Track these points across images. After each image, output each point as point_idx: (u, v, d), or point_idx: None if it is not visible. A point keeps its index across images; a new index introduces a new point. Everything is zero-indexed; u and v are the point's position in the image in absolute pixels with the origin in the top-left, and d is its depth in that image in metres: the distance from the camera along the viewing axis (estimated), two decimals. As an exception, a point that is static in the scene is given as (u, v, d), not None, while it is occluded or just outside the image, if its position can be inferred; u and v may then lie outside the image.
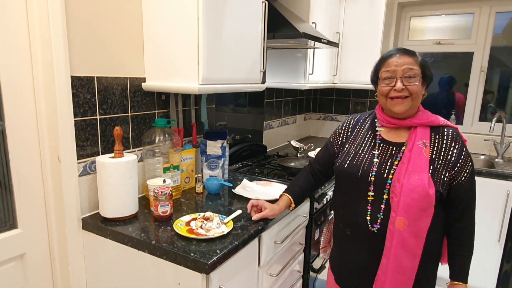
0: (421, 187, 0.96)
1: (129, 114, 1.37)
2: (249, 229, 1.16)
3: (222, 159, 1.61)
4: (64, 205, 1.16)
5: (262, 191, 1.53)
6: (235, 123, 2.09)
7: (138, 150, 1.42)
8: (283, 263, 1.45)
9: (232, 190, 1.52)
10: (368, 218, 1.04)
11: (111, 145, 1.30)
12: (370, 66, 2.81)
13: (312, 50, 2.11)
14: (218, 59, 1.31)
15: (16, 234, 1.12)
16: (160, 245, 1.03)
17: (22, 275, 1.16)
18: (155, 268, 1.06)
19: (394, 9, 2.71)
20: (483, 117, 2.67)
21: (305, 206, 1.57)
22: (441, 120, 1.06)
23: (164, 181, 1.26)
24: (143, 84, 1.39)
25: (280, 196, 1.30)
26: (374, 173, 1.04)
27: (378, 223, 1.03)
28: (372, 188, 1.04)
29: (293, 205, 1.28)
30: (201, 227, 1.11)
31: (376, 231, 1.04)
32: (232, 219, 1.18)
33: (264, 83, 1.62)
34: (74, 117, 1.16)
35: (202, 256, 0.97)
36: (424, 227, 0.98)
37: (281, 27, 1.67)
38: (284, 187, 1.56)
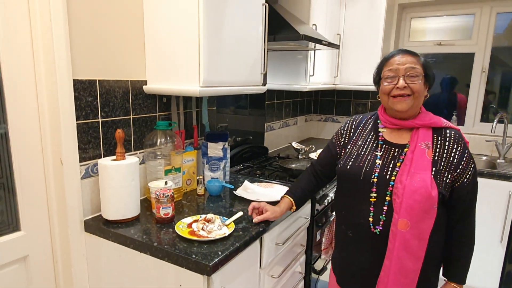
0: (424, 188, 0.96)
1: (131, 116, 1.37)
2: (251, 230, 1.16)
3: (224, 161, 1.61)
4: (66, 208, 1.17)
5: (263, 192, 1.53)
6: (236, 125, 2.10)
7: (139, 153, 1.43)
8: (285, 265, 1.45)
9: (234, 192, 1.52)
10: (370, 219, 1.04)
11: (113, 147, 1.31)
12: (370, 67, 2.80)
13: (312, 51, 2.12)
14: (219, 62, 1.32)
15: (19, 237, 1.13)
16: (162, 247, 1.03)
17: (25, 277, 1.16)
18: (157, 270, 1.06)
19: (394, 10, 2.72)
20: (485, 118, 2.66)
21: (306, 208, 1.57)
22: (443, 122, 1.06)
23: (166, 183, 1.27)
24: (144, 86, 1.40)
25: (282, 198, 1.30)
26: (376, 174, 1.04)
27: (380, 225, 1.03)
28: (374, 190, 1.04)
29: (294, 207, 1.28)
30: (202, 229, 1.11)
31: (378, 233, 1.04)
32: (234, 221, 1.19)
33: (265, 85, 1.63)
34: (76, 120, 1.17)
35: (204, 258, 0.98)
36: (427, 229, 0.98)
37: (281, 29, 1.68)
38: (285, 188, 1.56)
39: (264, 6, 1.52)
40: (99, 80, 1.23)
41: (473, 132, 2.64)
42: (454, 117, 2.59)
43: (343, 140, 1.21)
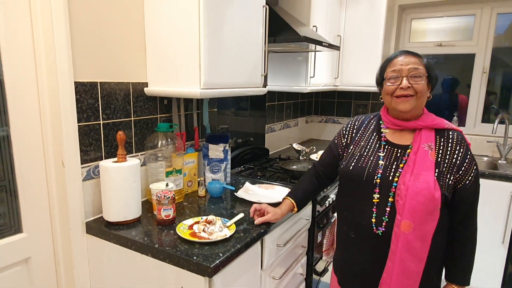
0: (427, 190, 0.96)
1: (132, 119, 1.38)
2: (252, 232, 1.16)
3: (224, 162, 1.61)
4: (68, 209, 1.17)
5: (264, 194, 1.53)
6: (237, 127, 2.10)
7: (141, 155, 1.43)
8: (286, 266, 1.45)
9: (235, 193, 1.52)
10: (373, 220, 1.04)
11: (114, 149, 1.32)
12: (371, 68, 2.80)
13: (313, 53, 2.12)
14: (220, 64, 1.32)
15: (21, 239, 1.13)
16: (163, 249, 1.04)
17: (27, 279, 1.17)
18: (158, 271, 1.07)
19: (394, 11, 2.72)
20: (486, 119, 2.66)
21: (307, 209, 1.57)
22: (446, 123, 1.06)
23: (167, 185, 1.27)
24: (145, 89, 1.40)
25: (283, 199, 1.30)
26: (379, 175, 1.04)
27: (383, 226, 1.03)
28: (377, 191, 1.04)
29: (295, 209, 1.28)
30: (203, 230, 1.11)
31: (380, 234, 1.03)
32: (235, 223, 1.19)
33: (265, 87, 1.63)
34: (78, 122, 1.17)
35: (205, 259, 0.98)
36: (429, 230, 0.98)
37: (282, 31, 1.68)
38: (286, 190, 1.56)
39: (264, 7, 1.53)
40: (100, 82, 1.24)
41: (474, 133, 2.64)
42: (455, 118, 2.59)
43: (345, 140, 1.21)
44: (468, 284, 1.08)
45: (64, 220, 1.19)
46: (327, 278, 1.83)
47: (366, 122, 1.19)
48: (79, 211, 1.20)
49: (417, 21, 2.81)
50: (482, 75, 2.61)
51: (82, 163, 1.20)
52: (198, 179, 1.53)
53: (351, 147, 1.16)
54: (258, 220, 1.20)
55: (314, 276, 1.72)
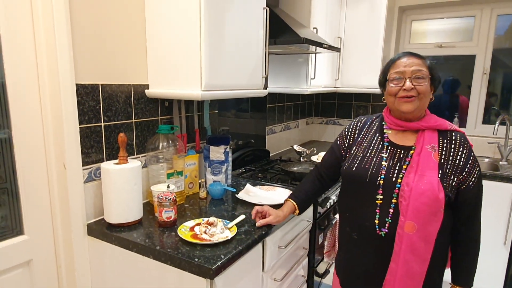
0: (431, 191, 0.96)
1: (133, 120, 1.38)
2: (253, 234, 1.16)
3: (225, 164, 1.62)
4: (69, 212, 1.17)
5: (265, 196, 1.53)
6: (238, 129, 2.10)
7: (142, 157, 1.43)
8: (287, 268, 1.45)
9: (236, 195, 1.52)
10: (376, 221, 1.04)
11: (116, 151, 1.32)
12: (371, 70, 2.80)
13: (313, 55, 2.13)
14: (220, 66, 1.32)
15: (22, 241, 1.13)
16: (164, 251, 1.04)
17: (29, 281, 1.17)
18: (160, 273, 1.07)
19: (395, 13, 2.73)
20: (487, 120, 2.66)
21: (308, 211, 1.57)
22: (449, 124, 1.06)
23: (168, 186, 1.27)
24: (146, 91, 1.41)
25: (285, 201, 1.30)
26: (383, 176, 1.04)
27: (386, 227, 1.03)
28: (380, 192, 1.04)
29: (297, 211, 1.28)
30: (205, 232, 1.11)
31: (383, 235, 1.03)
32: (236, 224, 1.19)
33: (266, 89, 1.64)
34: (79, 125, 1.18)
35: (207, 261, 0.98)
36: (433, 231, 0.98)
37: (282, 33, 1.69)
38: (288, 191, 1.56)
39: (265, 10, 1.53)
40: (101, 85, 1.24)
41: (475, 134, 2.63)
42: (456, 119, 2.59)
43: (347, 141, 1.21)
44: (472, 285, 1.08)
45: (66, 222, 1.19)
46: (329, 280, 1.82)
47: (368, 123, 1.19)
48: (81, 213, 1.20)
49: (417, 22, 2.82)
50: (483, 76, 2.61)
51: (83, 165, 1.20)
52: (199, 181, 1.53)
53: (354, 148, 1.16)
54: (259, 222, 1.20)
55: (316, 278, 1.72)
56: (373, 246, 1.07)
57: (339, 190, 1.80)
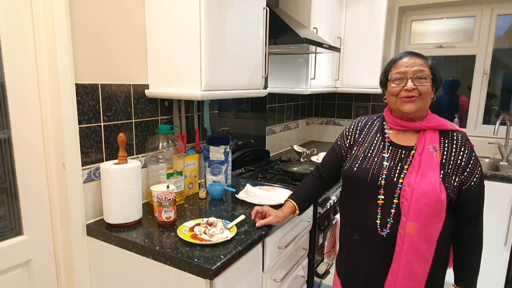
0: (433, 191, 0.96)
1: (133, 120, 1.38)
2: (253, 234, 1.16)
3: (225, 164, 1.61)
4: (69, 212, 1.17)
5: (265, 196, 1.53)
6: (238, 129, 2.10)
7: (142, 157, 1.43)
8: (287, 268, 1.44)
9: (235, 195, 1.52)
10: (377, 222, 1.04)
11: (115, 151, 1.31)
12: (371, 70, 2.80)
13: (313, 55, 2.13)
14: (220, 66, 1.32)
15: (22, 241, 1.13)
16: (164, 251, 1.03)
17: (28, 281, 1.16)
18: (159, 273, 1.06)
19: (395, 13, 2.73)
20: (487, 120, 2.66)
21: (308, 211, 1.56)
22: (450, 124, 1.06)
23: (168, 187, 1.27)
24: (146, 91, 1.40)
25: (285, 202, 1.30)
26: (384, 176, 1.04)
27: (387, 228, 1.02)
28: (382, 192, 1.04)
29: (297, 211, 1.27)
30: (204, 232, 1.11)
31: (385, 236, 1.03)
32: (236, 224, 1.19)
33: (266, 89, 1.63)
34: (79, 124, 1.17)
35: (206, 261, 0.97)
36: (435, 232, 0.98)
37: (282, 33, 1.69)
38: (287, 192, 1.56)
39: (265, 10, 1.53)
40: (101, 84, 1.24)
41: (475, 134, 2.63)
42: (456, 119, 2.58)
43: (348, 141, 1.20)
44: (475, 287, 1.07)
45: (65, 222, 1.19)
46: (329, 280, 1.82)
47: (369, 123, 1.19)
48: (80, 213, 1.20)
49: (417, 22, 2.82)
50: (483, 77, 2.61)
51: (83, 165, 1.20)
52: (199, 181, 1.53)
53: (355, 148, 1.16)
54: (259, 223, 1.20)
55: (316, 279, 1.71)
56: (374, 246, 1.06)
57: (339, 191, 1.80)
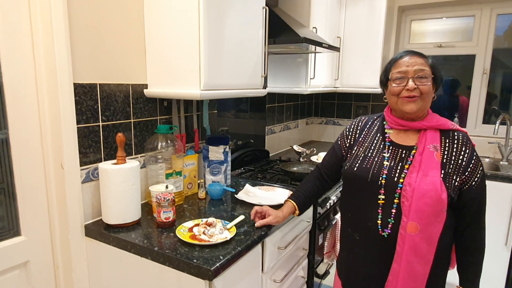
0: (434, 191, 0.95)
1: (132, 120, 1.37)
2: (252, 234, 1.15)
3: (225, 164, 1.61)
4: (67, 212, 1.16)
5: (265, 196, 1.52)
6: (237, 129, 2.10)
7: (140, 157, 1.42)
8: (287, 269, 1.43)
9: (235, 195, 1.51)
10: (378, 222, 1.03)
11: (114, 151, 1.31)
12: (371, 70, 2.80)
13: (313, 54, 2.12)
14: (220, 65, 1.32)
15: (19, 242, 1.12)
16: (163, 252, 1.03)
17: (26, 282, 1.16)
18: (158, 274, 1.06)
19: (394, 13, 2.72)
20: (487, 120, 2.66)
21: (308, 211, 1.56)
22: (451, 124, 1.05)
23: (167, 187, 1.26)
24: (145, 90, 1.40)
25: (285, 202, 1.29)
26: (384, 176, 1.03)
27: (388, 228, 1.02)
28: (382, 192, 1.03)
29: (297, 212, 1.26)
30: (204, 233, 1.10)
31: (386, 236, 1.02)
32: (235, 225, 1.18)
33: (265, 88, 1.63)
34: (77, 124, 1.17)
35: (205, 262, 0.97)
36: (436, 232, 0.97)
37: (282, 32, 1.68)
38: (287, 192, 1.55)
39: (264, 9, 1.52)
40: (99, 84, 1.23)
41: (475, 134, 2.63)
42: (456, 119, 2.58)
43: (348, 141, 1.20)
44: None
45: (63, 223, 1.18)
46: (328, 281, 1.81)
47: (369, 123, 1.18)
48: (78, 214, 1.19)
49: (417, 22, 2.81)
50: (483, 76, 2.61)
51: (81, 165, 1.19)
52: (198, 181, 1.52)
53: (355, 148, 1.15)
54: (259, 223, 1.19)
55: (316, 279, 1.70)
56: (375, 247, 1.05)
57: (339, 191, 1.79)
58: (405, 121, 1.06)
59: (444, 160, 1.00)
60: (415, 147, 1.04)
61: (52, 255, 1.21)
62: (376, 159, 1.08)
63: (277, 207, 1.29)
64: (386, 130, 1.12)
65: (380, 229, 1.03)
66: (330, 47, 1.92)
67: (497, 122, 2.31)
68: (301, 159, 2.28)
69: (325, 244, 1.60)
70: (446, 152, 1.01)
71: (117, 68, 1.29)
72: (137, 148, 1.41)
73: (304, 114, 3.00)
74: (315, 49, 1.99)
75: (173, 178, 1.37)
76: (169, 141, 1.40)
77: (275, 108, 2.50)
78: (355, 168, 1.10)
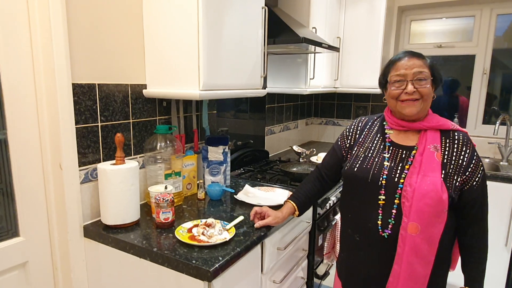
0: (434, 192, 0.95)
1: (131, 121, 1.37)
2: (252, 235, 1.14)
3: (224, 165, 1.60)
4: (66, 213, 1.16)
5: (264, 196, 1.52)
6: (237, 129, 2.09)
7: (139, 157, 1.42)
8: (287, 270, 1.43)
9: (234, 196, 1.51)
10: (379, 222, 1.03)
11: (113, 152, 1.30)
12: (371, 70, 2.80)
13: (312, 55, 2.12)
14: (219, 65, 1.31)
15: (18, 242, 1.12)
16: (161, 253, 1.02)
17: (25, 284, 1.15)
18: (157, 275, 1.05)
19: (394, 13, 2.72)
20: (487, 120, 2.65)
21: (308, 212, 1.55)
22: (451, 124, 1.05)
23: (166, 187, 1.26)
24: (144, 90, 1.39)
25: (285, 202, 1.28)
26: (385, 176, 1.03)
27: (389, 228, 1.01)
28: (383, 192, 1.03)
29: (297, 212, 1.26)
30: (203, 233, 1.10)
31: (386, 237, 1.02)
32: (234, 225, 1.17)
33: (265, 88, 1.63)
34: (76, 125, 1.16)
35: (204, 263, 0.96)
36: (437, 232, 0.97)
37: (281, 33, 1.68)
38: (287, 192, 1.55)
39: (263, 9, 1.52)
40: (98, 84, 1.23)
41: (475, 134, 2.63)
42: (456, 119, 2.58)
43: (348, 142, 1.19)
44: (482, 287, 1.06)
45: (62, 223, 1.17)
46: (328, 282, 1.81)
47: (370, 123, 1.18)
48: (77, 215, 1.18)
49: (417, 22, 2.81)
50: (483, 76, 2.60)
51: (80, 166, 1.19)
52: (198, 182, 1.52)
53: (355, 149, 1.15)
54: (258, 224, 1.19)
55: (315, 280, 1.70)
56: (375, 248, 1.05)
57: (339, 191, 1.79)
58: (405, 121, 1.06)
59: (445, 161, 1.00)
60: (415, 148, 1.04)
61: (51, 256, 1.21)
62: (376, 159, 1.07)
63: (276, 207, 1.29)
64: (386, 131, 1.11)
65: (380, 230, 1.02)
66: (330, 47, 1.91)
67: (497, 122, 2.31)
68: (300, 160, 2.28)
69: (325, 245, 1.59)
70: (446, 153, 1.01)
71: (116, 68, 1.28)
72: (136, 148, 1.40)
73: (303, 115, 3.00)
74: (315, 49, 1.98)
75: (172, 179, 1.37)
76: (168, 142, 1.39)
77: (274, 109, 2.50)
78: (355, 169, 1.09)
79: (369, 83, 2.48)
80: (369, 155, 1.10)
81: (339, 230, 1.27)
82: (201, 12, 1.19)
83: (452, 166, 1.00)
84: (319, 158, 2.27)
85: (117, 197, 1.16)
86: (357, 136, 1.18)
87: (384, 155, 1.07)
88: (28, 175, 1.12)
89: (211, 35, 1.25)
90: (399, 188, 1.00)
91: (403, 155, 1.05)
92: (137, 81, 1.37)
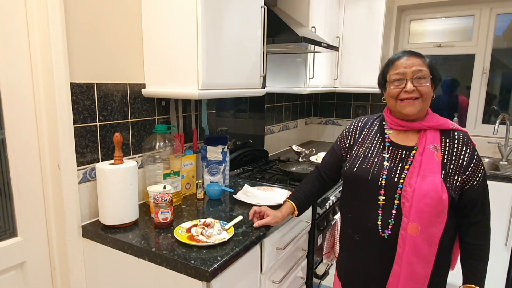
0: (434, 192, 0.94)
1: (129, 120, 1.36)
2: (251, 235, 1.14)
3: (223, 164, 1.60)
4: (64, 213, 1.15)
5: (264, 196, 1.51)
6: (236, 128, 2.09)
7: (138, 157, 1.41)
8: (286, 270, 1.43)
9: (233, 195, 1.50)
10: (379, 223, 1.02)
11: (111, 151, 1.30)
12: (370, 69, 2.80)
13: (312, 54, 2.11)
14: (218, 64, 1.31)
15: (16, 242, 1.11)
16: (160, 253, 1.02)
17: (23, 283, 1.15)
18: (155, 276, 1.05)
19: (393, 12, 2.72)
20: (486, 120, 2.65)
21: (307, 211, 1.55)
22: (451, 124, 1.05)
23: (165, 187, 1.25)
24: (143, 90, 1.39)
25: (284, 202, 1.28)
26: (384, 176, 1.02)
27: (389, 229, 1.01)
28: (382, 192, 1.02)
29: (296, 212, 1.25)
30: (202, 233, 1.10)
31: (386, 237, 1.01)
32: (233, 225, 1.17)
33: (264, 88, 1.62)
34: (74, 124, 1.16)
35: (203, 263, 0.96)
36: (437, 233, 0.97)
37: (280, 32, 1.67)
38: (286, 192, 1.54)
39: (262, 8, 1.52)
40: (97, 84, 1.22)
41: (475, 133, 2.62)
42: (456, 119, 2.57)
43: (348, 141, 1.19)
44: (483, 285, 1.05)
45: (60, 223, 1.17)
46: (328, 281, 1.80)
47: (369, 123, 1.17)
48: (75, 214, 1.18)
49: (416, 22, 2.81)
50: (482, 76, 2.60)
51: (78, 166, 1.18)
52: (197, 181, 1.51)
53: (355, 149, 1.15)
54: (257, 223, 1.18)
55: (315, 280, 1.70)
56: (375, 248, 1.05)
57: (338, 191, 1.79)
58: (405, 121, 1.06)
59: (445, 160, 1.00)
60: (415, 148, 1.04)
61: (48, 256, 1.20)
62: (376, 159, 1.07)
63: (276, 207, 1.28)
64: (385, 131, 1.11)
65: (380, 230, 1.02)
66: (329, 47, 1.91)
67: (497, 122, 2.30)
68: (300, 159, 2.28)
69: (324, 245, 1.59)
70: (446, 152, 1.01)
71: (114, 67, 1.28)
72: (135, 148, 1.40)
73: (303, 114, 2.99)
74: (314, 49, 1.98)
75: (171, 178, 1.36)
76: (167, 141, 1.39)
77: (274, 108, 2.50)
78: (355, 169, 1.09)
79: (368, 82, 2.48)
80: (369, 155, 1.09)
81: (339, 230, 1.26)
82: (200, 11, 1.19)
83: (452, 166, 0.99)
84: (318, 157, 2.27)
85: (116, 197, 1.15)
86: (356, 136, 1.17)
87: (384, 155, 1.07)
88: (26, 175, 1.11)
89: (210, 34, 1.24)
90: (398, 189, 1.00)
91: (403, 155, 1.04)
92: (136, 80, 1.37)
